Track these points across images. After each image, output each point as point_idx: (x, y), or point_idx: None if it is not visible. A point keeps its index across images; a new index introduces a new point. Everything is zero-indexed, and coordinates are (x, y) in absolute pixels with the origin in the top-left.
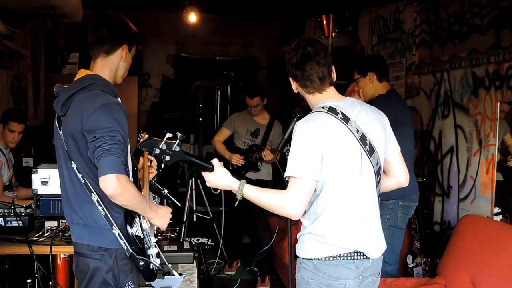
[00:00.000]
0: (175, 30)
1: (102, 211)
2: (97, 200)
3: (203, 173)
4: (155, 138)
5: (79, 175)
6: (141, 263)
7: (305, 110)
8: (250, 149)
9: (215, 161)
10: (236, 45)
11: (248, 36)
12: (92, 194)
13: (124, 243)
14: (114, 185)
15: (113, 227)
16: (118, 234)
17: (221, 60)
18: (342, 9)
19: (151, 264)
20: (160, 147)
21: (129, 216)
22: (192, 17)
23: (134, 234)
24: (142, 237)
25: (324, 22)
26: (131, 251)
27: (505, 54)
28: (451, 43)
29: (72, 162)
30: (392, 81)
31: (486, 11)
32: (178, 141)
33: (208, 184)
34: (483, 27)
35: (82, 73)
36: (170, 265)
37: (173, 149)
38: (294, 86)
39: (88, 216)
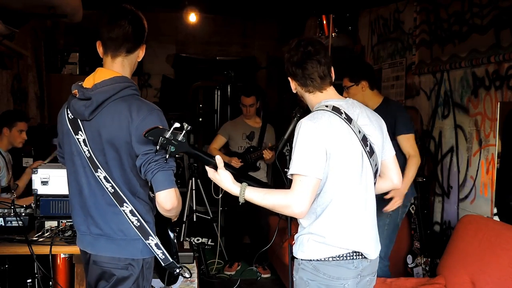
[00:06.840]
0: (175, 30)
1: (136, 221)
2: (130, 211)
3: (206, 167)
4: (161, 127)
5: (107, 185)
6: (178, 270)
7: (305, 110)
8: (248, 151)
9: (218, 159)
10: (236, 45)
11: (248, 36)
12: (125, 204)
13: (162, 252)
14: (174, 199)
15: (150, 237)
16: (156, 244)
17: (221, 60)
18: (342, 9)
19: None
20: (166, 136)
21: (169, 221)
22: (192, 17)
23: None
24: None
25: (324, 22)
26: (171, 259)
27: (505, 54)
28: (451, 43)
29: (99, 170)
30: (392, 81)
31: (486, 11)
32: (184, 132)
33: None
34: (483, 27)
35: (104, 72)
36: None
37: (179, 139)
38: (293, 85)
39: (115, 228)
